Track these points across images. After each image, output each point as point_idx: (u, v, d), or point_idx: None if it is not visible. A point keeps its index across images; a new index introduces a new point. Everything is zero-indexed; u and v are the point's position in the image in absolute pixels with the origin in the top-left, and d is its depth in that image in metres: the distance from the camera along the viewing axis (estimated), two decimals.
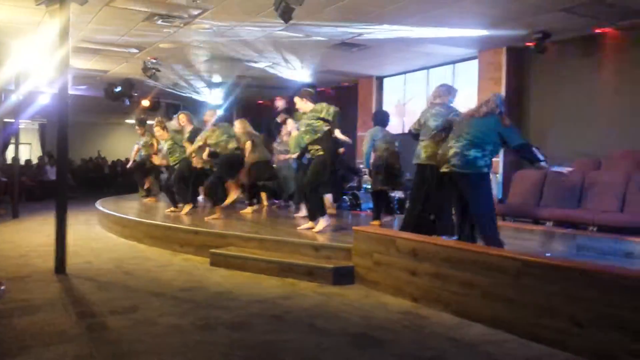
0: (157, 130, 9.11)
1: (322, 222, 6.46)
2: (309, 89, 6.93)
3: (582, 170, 8.11)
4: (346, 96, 14.79)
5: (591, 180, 7.63)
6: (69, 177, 6.77)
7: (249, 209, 9.01)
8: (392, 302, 4.68)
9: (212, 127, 8.19)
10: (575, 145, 9.70)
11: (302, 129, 6.75)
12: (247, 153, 8.46)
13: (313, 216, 6.61)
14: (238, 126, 8.85)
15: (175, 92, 15.66)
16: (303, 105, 6.66)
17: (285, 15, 6.90)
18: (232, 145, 8.10)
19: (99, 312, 4.23)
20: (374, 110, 13.90)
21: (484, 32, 9.62)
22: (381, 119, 7.90)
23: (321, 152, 6.44)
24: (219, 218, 7.89)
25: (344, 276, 5.28)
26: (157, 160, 10.42)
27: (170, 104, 18.53)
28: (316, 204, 6.58)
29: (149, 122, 11.29)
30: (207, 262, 6.14)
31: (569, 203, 7.66)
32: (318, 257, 5.65)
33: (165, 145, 9.14)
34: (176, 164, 8.82)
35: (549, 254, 4.58)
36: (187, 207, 8.68)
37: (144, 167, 11.15)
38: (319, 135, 6.46)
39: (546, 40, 9.44)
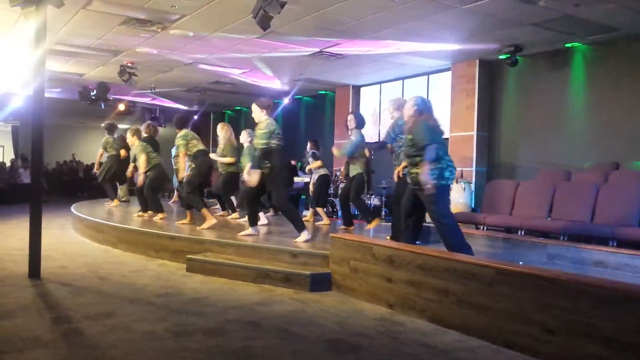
0: (128, 138, 9.00)
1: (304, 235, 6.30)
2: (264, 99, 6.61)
3: (552, 181, 8.29)
4: (322, 104, 14.91)
5: (561, 191, 7.79)
6: (42, 181, 6.66)
7: (233, 215, 9.01)
8: (368, 308, 4.73)
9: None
10: (545, 156, 9.92)
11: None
12: (226, 163, 8.51)
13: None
14: (223, 131, 8.67)
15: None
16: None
17: (264, 23, 6.94)
18: (197, 147, 7.65)
19: (74, 317, 4.19)
20: None
21: (456, 47, 9.79)
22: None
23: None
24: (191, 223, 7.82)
25: (320, 283, 5.31)
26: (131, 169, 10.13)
27: (146, 109, 18.42)
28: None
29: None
30: (183, 267, 6.11)
31: (540, 212, 7.82)
32: (295, 263, 5.68)
33: (135, 151, 8.80)
34: (148, 170, 8.57)
35: (521, 263, 4.67)
36: (160, 215, 8.58)
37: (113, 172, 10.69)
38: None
39: (518, 54, 9.66)
